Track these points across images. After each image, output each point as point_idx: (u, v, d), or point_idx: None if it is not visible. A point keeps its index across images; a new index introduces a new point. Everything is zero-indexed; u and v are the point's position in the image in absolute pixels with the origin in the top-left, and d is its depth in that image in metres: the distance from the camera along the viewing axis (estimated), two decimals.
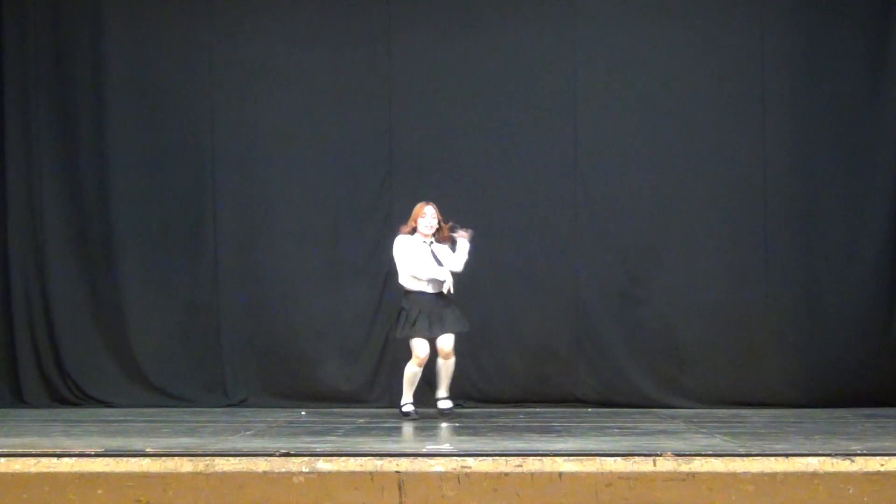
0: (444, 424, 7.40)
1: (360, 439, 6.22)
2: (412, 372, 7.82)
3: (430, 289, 7.84)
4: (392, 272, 9.19)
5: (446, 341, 7.76)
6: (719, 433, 6.54)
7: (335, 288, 9.22)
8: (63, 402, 9.21)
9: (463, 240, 7.91)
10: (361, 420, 7.77)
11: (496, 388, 9.05)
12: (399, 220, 9.19)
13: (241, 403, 9.11)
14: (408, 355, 7.78)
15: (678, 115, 9.08)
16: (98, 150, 9.35)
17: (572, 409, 8.32)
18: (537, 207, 9.07)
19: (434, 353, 7.81)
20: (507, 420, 7.77)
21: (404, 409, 7.93)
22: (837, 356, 8.87)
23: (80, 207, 9.36)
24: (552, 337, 9.00)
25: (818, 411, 8.34)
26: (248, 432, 6.70)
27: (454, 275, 7.86)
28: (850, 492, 4.90)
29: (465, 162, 9.19)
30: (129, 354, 9.28)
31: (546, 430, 6.89)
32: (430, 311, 7.77)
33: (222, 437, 6.39)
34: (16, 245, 9.39)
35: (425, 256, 7.84)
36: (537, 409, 8.60)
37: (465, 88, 9.21)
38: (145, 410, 8.67)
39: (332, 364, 9.20)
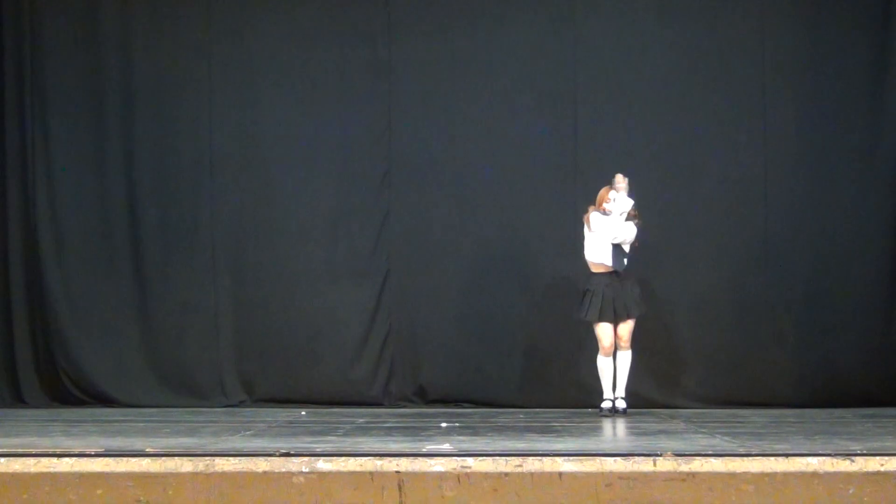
0: (443, 424, 7.39)
1: (360, 439, 6.21)
2: (602, 364, 7.94)
3: (610, 263, 7.91)
4: (391, 271, 9.20)
5: (624, 328, 7.87)
6: (719, 433, 6.53)
7: (335, 287, 9.22)
8: (63, 402, 9.21)
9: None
10: (361, 420, 7.77)
11: (496, 388, 9.05)
12: (398, 219, 9.21)
13: (241, 404, 9.12)
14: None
15: (678, 115, 9.08)
16: (95, 149, 9.35)
17: (572, 409, 8.30)
18: (537, 207, 9.06)
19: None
20: (507, 420, 7.76)
21: (602, 404, 8.00)
22: (837, 356, 8.87)
23: (78, 208, 9.35)
24: (552, 337, 8.99)
25: (818, 411, 8.33)
26: (248, 432, 6.69)
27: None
28: (850, 492, 4.89)
29: (465, 161, 9.19)
30: (128, 355, 9.28)
31: (546, 430, 6.88)
32: (615, 293, 7.87)
33: (222, 437, 6.38)
34: (15, 245, 9.39)
35: (613, 220, 7.94)
36: (537, 409, 8.59)
37: (465, 87, 9.21)
38: (145, 410, 8.67)
39: (331, 364, 9.20)
